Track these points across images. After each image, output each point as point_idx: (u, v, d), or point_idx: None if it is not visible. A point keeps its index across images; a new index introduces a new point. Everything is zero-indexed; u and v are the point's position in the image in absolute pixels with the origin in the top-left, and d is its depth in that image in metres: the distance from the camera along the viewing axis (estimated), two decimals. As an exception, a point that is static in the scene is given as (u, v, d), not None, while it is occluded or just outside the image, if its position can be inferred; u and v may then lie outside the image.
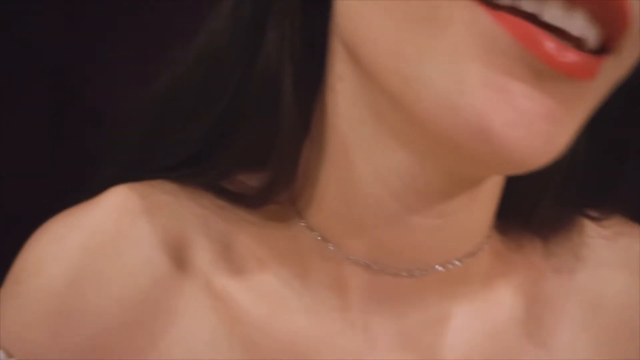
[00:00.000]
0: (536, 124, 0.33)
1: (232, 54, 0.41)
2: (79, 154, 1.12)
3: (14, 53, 1.08)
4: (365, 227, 0.41)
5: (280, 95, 0.40)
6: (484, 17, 0.32)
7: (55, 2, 1.08)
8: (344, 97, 0.39)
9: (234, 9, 0.42)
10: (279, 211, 0.44)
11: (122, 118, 0.47)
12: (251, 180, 0.44)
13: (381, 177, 0.39)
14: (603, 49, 0.35)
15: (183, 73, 0.44)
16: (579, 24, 0.33)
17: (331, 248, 0.42)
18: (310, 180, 0.42)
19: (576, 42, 0.34)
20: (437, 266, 0.42)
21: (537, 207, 0.48)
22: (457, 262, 0.43)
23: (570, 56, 0.33)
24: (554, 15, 0.33)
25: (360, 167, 0.40)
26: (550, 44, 0.33)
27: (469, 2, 0.33)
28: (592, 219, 0.52)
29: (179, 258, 0.42)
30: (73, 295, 0.40)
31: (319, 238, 0.42)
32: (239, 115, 0.41)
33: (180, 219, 0.43)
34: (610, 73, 0.36)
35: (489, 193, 0.44)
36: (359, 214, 0.41)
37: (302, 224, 0.43)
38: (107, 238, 0.41)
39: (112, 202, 0.43)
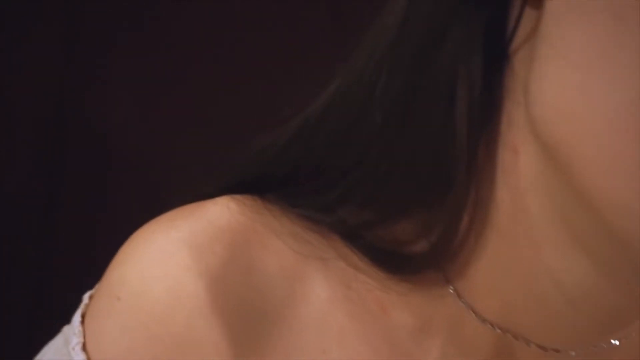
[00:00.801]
0: None
1: (395, 81, 0.36)
2: (79, 157, 1.13)
3: (13, 53, 1.08)
4: (521, 311, 0.37)
5: (453, 139, 0.35)
6: None
7: (55, 3, 1.09)
8: (515, 171, 0.35)
9: (397, 37, 0.36)
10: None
11: (263, 134, 0.40)
12: (393, 232, 0.38)
13: (553, 275, 0.35)
14: None
15: (338, 94, 0.39)
16: None
17: (470, 310, 0.38)
18: (464, 245, 0.37)
19: None
20: (590, 347, 0.39)
21: None
22: (613, 342, 0.39)
23: None
24: None
25: (528, 254, 0.35)
26: None
27: None
28: None
29: (292, 290, 0.39)
30: (179, 323, 0.37)
31: (461, 301, 0.38)
32: (395, 159, 0.36)
33: (295, 247, 0.39)
34: None
35: None
36: (515, 299, 0.37)
37: (450, 290, 0.38)
38: (219, 261, 0.38)
39: (225, 219, 0.39)
